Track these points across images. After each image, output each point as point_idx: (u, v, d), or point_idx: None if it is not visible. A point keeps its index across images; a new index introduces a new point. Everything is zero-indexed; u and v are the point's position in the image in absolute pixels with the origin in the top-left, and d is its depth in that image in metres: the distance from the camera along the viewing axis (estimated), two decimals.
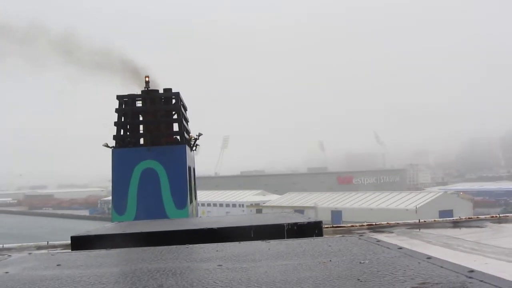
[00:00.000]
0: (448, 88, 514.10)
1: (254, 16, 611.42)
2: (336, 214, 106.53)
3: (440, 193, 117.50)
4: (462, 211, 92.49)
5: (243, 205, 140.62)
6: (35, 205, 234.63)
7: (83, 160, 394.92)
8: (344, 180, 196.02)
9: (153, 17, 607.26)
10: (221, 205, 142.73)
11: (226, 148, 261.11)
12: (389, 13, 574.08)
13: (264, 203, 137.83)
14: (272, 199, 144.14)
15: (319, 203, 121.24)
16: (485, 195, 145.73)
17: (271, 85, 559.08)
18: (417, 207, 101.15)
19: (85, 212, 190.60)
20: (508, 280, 2.90)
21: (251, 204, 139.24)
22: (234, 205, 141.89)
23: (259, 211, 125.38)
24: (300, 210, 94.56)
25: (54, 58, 33.66)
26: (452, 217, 56.93)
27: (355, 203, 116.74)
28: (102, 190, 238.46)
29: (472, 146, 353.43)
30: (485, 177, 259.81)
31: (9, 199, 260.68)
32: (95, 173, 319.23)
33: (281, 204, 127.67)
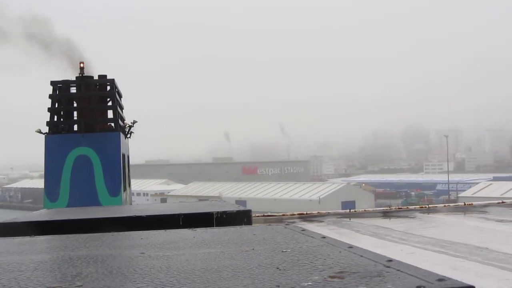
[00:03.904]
0: (351, 82, 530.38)
1: None
2: (241, 203, 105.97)
3: (343, 185, 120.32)
4: (364, 202, 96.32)
5: (147, 194, 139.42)
6: None
7: None
8: (248, 171, 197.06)
9: None
10: None
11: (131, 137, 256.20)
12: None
13: (168, 192, 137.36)
14: (177, 188, 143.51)
15: (223, 192, 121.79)
16: (387, 187, 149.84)
17: (178, 74, 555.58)
18: (320, 197, 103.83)
19: None
20: (422, 269, 3.01)
21: (156, 193, 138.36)
22: (138, 194, 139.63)
23: (163, 200, 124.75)
24: (204, 200, 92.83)
25: None
26: (354, 208, 58.57)
27: (259, 193, 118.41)
28: (4, 178, 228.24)
29: (375, 139, 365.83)
30: (386, 169, 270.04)
31: None
32: None
33: (186, 194, 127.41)
